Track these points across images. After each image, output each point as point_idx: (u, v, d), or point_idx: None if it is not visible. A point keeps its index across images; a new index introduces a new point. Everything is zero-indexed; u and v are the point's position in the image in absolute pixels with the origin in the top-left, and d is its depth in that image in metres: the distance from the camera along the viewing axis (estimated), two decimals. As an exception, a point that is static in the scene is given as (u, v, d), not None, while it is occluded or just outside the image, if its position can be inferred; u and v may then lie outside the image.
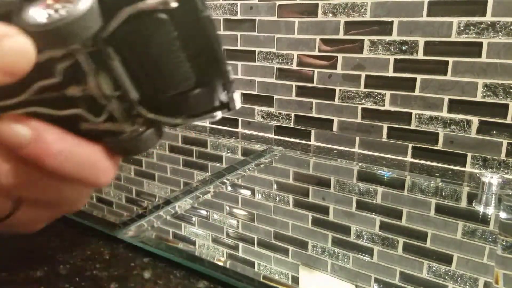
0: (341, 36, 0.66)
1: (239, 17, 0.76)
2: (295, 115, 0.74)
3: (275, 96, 0.75)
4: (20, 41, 0.17)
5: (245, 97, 0.79)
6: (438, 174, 0.58)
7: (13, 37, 0.17)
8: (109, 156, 0.22)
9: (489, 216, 0.46)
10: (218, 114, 0.22)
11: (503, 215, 0.45)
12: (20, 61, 0.17)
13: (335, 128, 0.70)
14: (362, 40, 0.64)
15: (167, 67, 0.19)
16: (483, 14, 0.55)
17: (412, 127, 0.63)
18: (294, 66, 0.72)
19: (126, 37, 0.19)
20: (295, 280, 0.34)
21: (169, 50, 0.19)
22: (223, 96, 0.22)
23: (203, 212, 0.46)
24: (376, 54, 0.64)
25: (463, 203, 0.50)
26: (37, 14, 0.17)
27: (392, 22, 0.62)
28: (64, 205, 0.24)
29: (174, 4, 0.18)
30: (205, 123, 0.85)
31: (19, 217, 0.22)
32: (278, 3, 0.71)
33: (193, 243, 0.40)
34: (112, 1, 0.18)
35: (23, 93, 0.20)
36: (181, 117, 0.21)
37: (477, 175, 0.56)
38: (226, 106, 0.22)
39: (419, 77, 0.61)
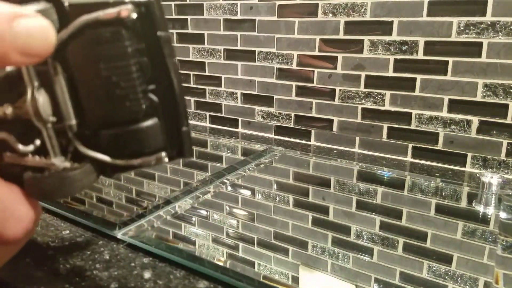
0: (341, 36, 0.66)
1: (239, 17, 0.76)
2: (295, 115, 0.74)
3: (275, 96, 0.75)
4: (38, 21, 0.16)
5: (245, 97, 0.79)
6: (438, 174, 0.58)
7: (30, 17, 0.16)
8: (25, 201, 0.17)
9: (489, 216, 0.46)
10: (164, 157, 0.19)
11: (503, 215, 0.45)
12: (39, 42, 0.16)
13: (335, 128, 0.70)
14: (362, 40, 0.64)
15: (117, 88, 0.17)
16: (483, 14, 0.55)
17: (412, 127, 0.63)
18: (294, 66, 0.72)
19: (77, 50, 0.17)
20: (295, 280, 0.34)
21: (122, 69, 0.17)
22: (174, 135, 0.19)
23: (203, 212, 0.46)
24: (376, 54, 0.64)
25: (463, 203, 0.50)
26: None
27: (392, 22, 0.62)
28: None
29: (134, 15, 0.17)
30: (204, 122, 0.85)
31: None
32: (278, 3, 0.71)
33: (193, 243, 0.40)
34: (72, 9, 0.17)
35: None
36: (123, 156, 0.18)
37: (477, 175, 0.56)
38: (176, 147, 0.19)
39: (419, 77, 0.61)
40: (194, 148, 0.71)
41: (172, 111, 0.18)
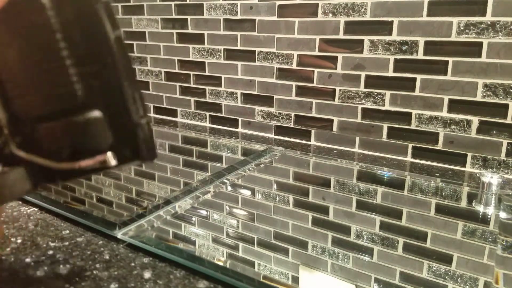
0: (341, 36, 0.66)
1: (239, 17, 0.76)
2: (295, 115, 0.74)
3: (275, 96, 0.75)
4: None
5: (245, 97, 0.79)
6: (438, 174, 0.58)
7: None
8: None
9: (489, 216, 0.46)
10: (110, 159, 0.15)
11: (503, 215, 0.45)
12: None
13: (335, 128, 0.70)
14: (362, 40, 0.64)
15: (42, 70, 0.14)
16: (483, 14, 0.55)
17: (412, 127, 0.63)
18: (294, 66, 0.72)
19: None
20: (295, 280, 0.34)
21: (45, 45, 0.14)
22: (124, 130, 0.15)
23: (203, 212, 0.46)
24: (376, 54, 0.64)
25: (463, 203, 0.50)
26: None
27: (392, 22, 0.62)
28: None
29: None
30: (204, 122, 0.85)
31: None
32: (278, 3, 0.71)
33: (193, 243, 0.40)
34: None
35: None
36: (62, 156, 0.15)
37: (477, 175, 0.56)
38: (129, 146, 0.15)
39: (419, 77, 0.61)
40: (194, 148, 0.71)
41: (119, 99, 0.15)
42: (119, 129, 0.15)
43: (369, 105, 0.66)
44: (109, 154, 0.15)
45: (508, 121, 0.56)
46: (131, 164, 0.16)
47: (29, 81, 0.14)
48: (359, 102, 0.67)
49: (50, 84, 0.14)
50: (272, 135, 0.77)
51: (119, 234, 0.38)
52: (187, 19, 0.82)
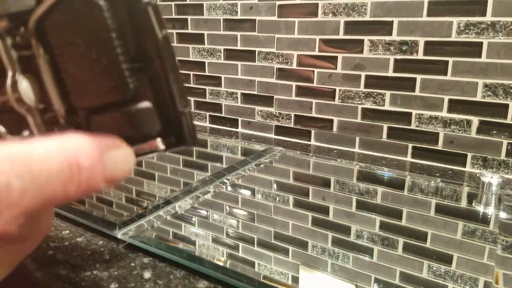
0: (341, 36, 0.66)
1: (239, 17, 0.76)
2: (295, 115, 0.74)
3: (275, 96, 0.75)
4: (124, 152, 0.16)
5: (245, 97, 0.79)
6: (438, 174, 0.58)
7: (117, 148, 0.16)
8: None
9: (489, 216, 0.46)
10: (159, 144, 0.17)
11: (503, 215, 0.45)
12: (123, 170, 0.16)
13: (335, 128, 0.70)
14: (362, 40, 0.64)
15: (99, 65, 0.15)
16: (483, 14, 0.55)
17: (412, 127, 0.63)
18: (294, 66, 0.72)
19: (55, 26, 0.15)
20: (295, 280, 0.34)
21: (102, 44, 0.15)
22: (170, 118, 0.17)
23: (203, 212, 0.46)
24: (376, 54, 0.64)
25: (463, 203, 0.50)
26: None
27: (392, 22, 0.62)
28: None
29: None
30: (204, 122, 0.85)
31: None
32: (278, 3, 0.71)
33: (193, 243, 0.40)
34: None
35: None
36: None
37: (477, 175, 0.56)
38: (175, 132, 0.17)
39: (419, 77, 0.61)
40: (194, 148, 0.71)
41: (165, 91, 0.16)
42: (166, 118, 0.17)
43: (369, 105, 0.66)
44: (159, 139, 0.17)
45: (508, 121, 0.56)
46: (177, 149, 0.17)
47: (87, 76, 0.15)
48: (359, 102, 0.67)
49: (106, 79, 0.15)
50: (272, 135, 0.77)
51: (119, 234, 0.38)
52: (187, 19, 0.82)
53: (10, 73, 0.15)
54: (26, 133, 0.17)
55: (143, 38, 0.16)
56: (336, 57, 0.67)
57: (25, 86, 0.16)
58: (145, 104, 0.16)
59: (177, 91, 0.16)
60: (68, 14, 0.15)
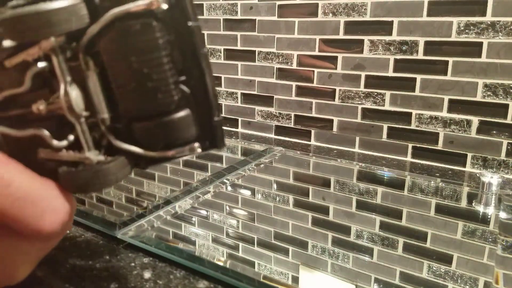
0: (341, 36, 0.66)
1: (239, 17, 0.76)
2: (295, 115, 0.74)
3: (275, 96, 0.75)
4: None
5: (245, 97, 0.79)
6: (438, 174, 0.58)
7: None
8: (61, 194, 0.18)
9: (489, 216, 0.46)
10: (197, 148, 0.19)
11: (503, 215, 0.45)
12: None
13: (335, 128, 0.70)
14: (362, 40, 0.64)
15: (149, 80, 0.17)
16: (483, 14, 0.55)
17: (412, 127, 0.63)
18: (294, 66, 0.72)
19: (108, 43, 0.17)
20: (295, 280, 0.34)
21: (153, 61, 0.17)
22: (206, 126, 0.19)
23: (203, 212, 0.46)
24: (376, 54, 0.64)
25: (463, 203, 0.50)
26: (18, 2, 0.16)
27: (392, 22, 0.62)
28: None
29: (164, 6, 0.17)
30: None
31: None
32: (278, 3, 0.71)
33: (193, 243, 0.40)
34: (101, 3, 0.17)
35: None
36: (156, 148, 0.18)
37: (477, 175, 0.56)
38: (209, 138, 0.19)
39: (419, 77, 0.61)
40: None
41: (203, 102, 0.18)
42: (203, 125, 0.18)
43: (369, 105, 0.66)
44: (197, 144, 0.18)
45: (508, 121, 0.56)
46: (209, 151, 0.19)
47: (136, 88, 0.17)
48: (359, 102, 0.67)
49: (154, 91, 0.17)
50: (272, 135, 0.77)
51: (119, 234, 0.38)
52: (187, 19, 0.82)
53: (62, 85, 0.17)
54: (71, 137, 0.18)
55: (188, 55, 0.17)
56: (336, 57, 0.67)
57: (75, 95, 0.17)
58: (186, 113, 0.18)
59: (213, 101, 0.18)
60: (121, 33, 0.16)
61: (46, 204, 0.17)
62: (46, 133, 0.18)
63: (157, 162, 0.19)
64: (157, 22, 0.16)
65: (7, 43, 0.17)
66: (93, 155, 0.18)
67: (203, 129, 0.19)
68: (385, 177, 0.58)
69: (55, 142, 0.18)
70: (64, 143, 0.18)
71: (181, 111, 0.18)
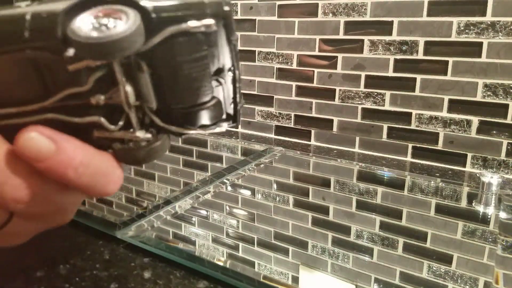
0: (341, 36, 0.66)
1: (239, 17, 0.76)
2: (295, 115, 0.74)
3: (275, 96, 0.75)
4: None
5: (245, 97, 0.79)
6: (438, 174, 0.58)
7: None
8: (118, 164, 0.22)
9: (489, 216, 0.46)
10: (225, 126, 0.23)
11: (503, 215, 0.45)
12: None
13: (335, 128, 0.70)
14: (362, 40, 0.64)
15: (194, 83, 0.21)
16: (483, 14, 0.55)
17: (412, 127, 0.63)
18: (294, 66, 0.72)
19: (162, 54, 0.20)
20: (295, 280, 0.34)
21: (200, 67, 0.21)
22: (230, 109, 0.23)
23: (203, 212, 0.46)
24: (376, 54, 0.64)
25: (463, 203, 0.50)
26: (85, 25, 0.18)
27: (392, 22, 0.62)
28: (57, 218, 0.23)
29: (215, 28, 0.19)
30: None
31: (6, 230, 0.21)
32: (278, 3, 0.71)
33: (193, 243, 0.40)
34: (158, 21, 0.19)
35: (48, 99, 0.20)
36: (193, 128, 0.22)
37: (477, 175, 0.56)
38: (232, 118, 0.24)
39: (419, 77, 0.61)
40: (194, 148, 0.72)
41: (233, 92, 0.23)
42: (228, 109, 0.23)
43: (369, 105, 0.66)
44: (224, 124, 0.23)
45: (508, 121, 0.56)
46: (229, 127, 0.24)
47: (183, 85, 0.21)
48: (359, 102, 0.67)
49: (198, 88, 0.21)
50: (272, 135, 0.77)
51: (119, 234, 0.38)
52: (187, 19, 0.82)
53: (121, 86, 0.20)
54: (121, 122, 0.21)
55: (225, 59, 0.21)
56: (336, 57, 0.67)
57: (130, 91, 0.20)
58: (218, 100, 0.22)
59: (239, 92, 0.23)
60: (175, 46, 0.20)
61: (112, 175, 0.21)
62: (103, 120, 0.21)
63: (189, 134, 0.23)
64: (206, 39, 0.20)
65: (70, 52, 0.19)
66: (142, 134, 0.21)
67: (229, 112, 0.23)
68: (385, 177, 0.58)
69: (112, 127, 0.21)
70: (117, 126, 0.21)
71: (214, 99, 0.22)
